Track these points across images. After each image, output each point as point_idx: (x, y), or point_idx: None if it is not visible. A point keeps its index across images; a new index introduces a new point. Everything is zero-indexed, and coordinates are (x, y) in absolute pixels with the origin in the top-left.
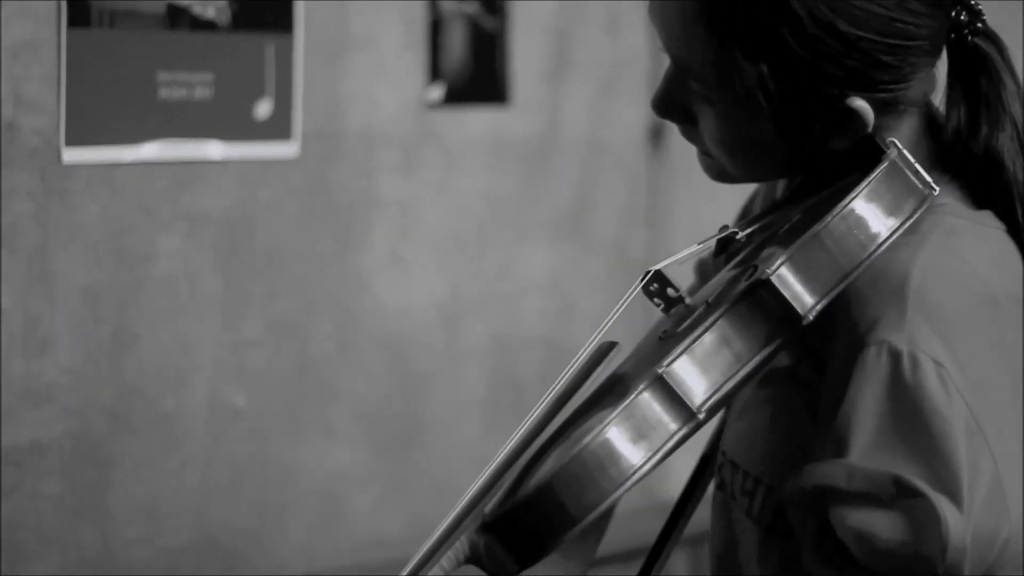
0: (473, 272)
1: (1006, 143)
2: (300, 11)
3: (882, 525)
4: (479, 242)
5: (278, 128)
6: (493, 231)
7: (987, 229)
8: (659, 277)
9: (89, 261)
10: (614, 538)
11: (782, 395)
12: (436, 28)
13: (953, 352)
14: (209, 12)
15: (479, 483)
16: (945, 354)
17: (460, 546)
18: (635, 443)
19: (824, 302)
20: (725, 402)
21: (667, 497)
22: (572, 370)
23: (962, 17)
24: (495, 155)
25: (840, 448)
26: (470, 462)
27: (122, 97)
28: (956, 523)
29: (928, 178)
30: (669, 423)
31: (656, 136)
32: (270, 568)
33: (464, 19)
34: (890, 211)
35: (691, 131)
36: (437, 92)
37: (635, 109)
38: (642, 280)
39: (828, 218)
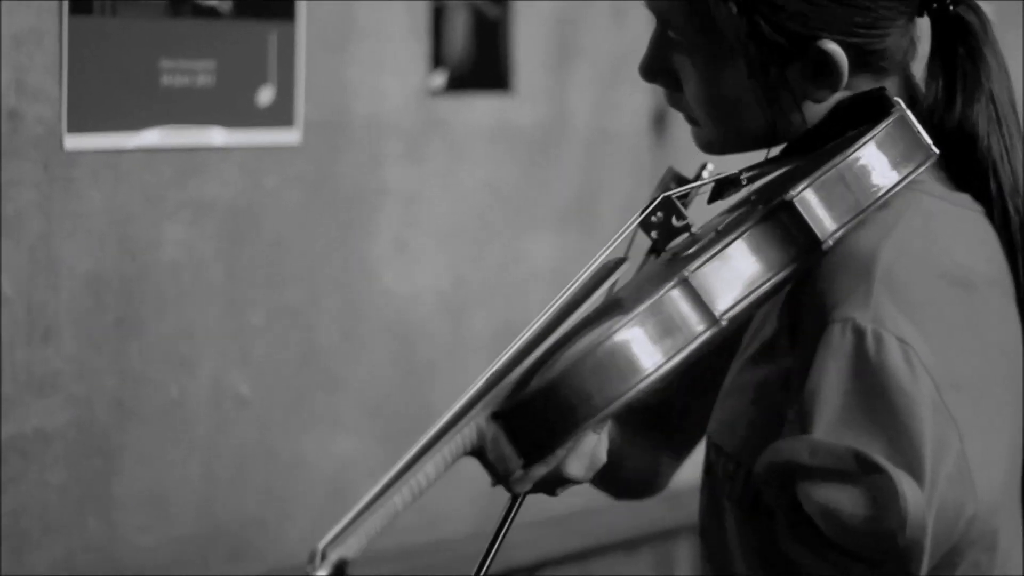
0: (478, 261)
1: (981, 117)
2: None
3: (845, 501)
4: (484, 230)
5: (280, 115)
6: (498, 219)
7: (964, 211)
8: (668, 204)
9: (93, 249)
10: (616, 526)
11: (762, 377)
12: (439, 15)
13: (920, 331)
14: None
15: (484, 379)
16: (911, 332)
17: (465, 435)
18: (658, 341)
19: (841, 232)
20: (743, 317)
21: (671, 487)
22: (578, 282)
23: None
24: (500, 143)
25: (805, 424)
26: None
27: (125, 84)
28: (916, 498)
29: (929, 140)
30: (694, 324)
31: (660, 124)
32: (276, 558)
33: (467, 7)
34: (897, 162)
35: (677, 97)
36: (440, 79)
37: (639, 97)
38: (652, 203)
39: (849, 152)
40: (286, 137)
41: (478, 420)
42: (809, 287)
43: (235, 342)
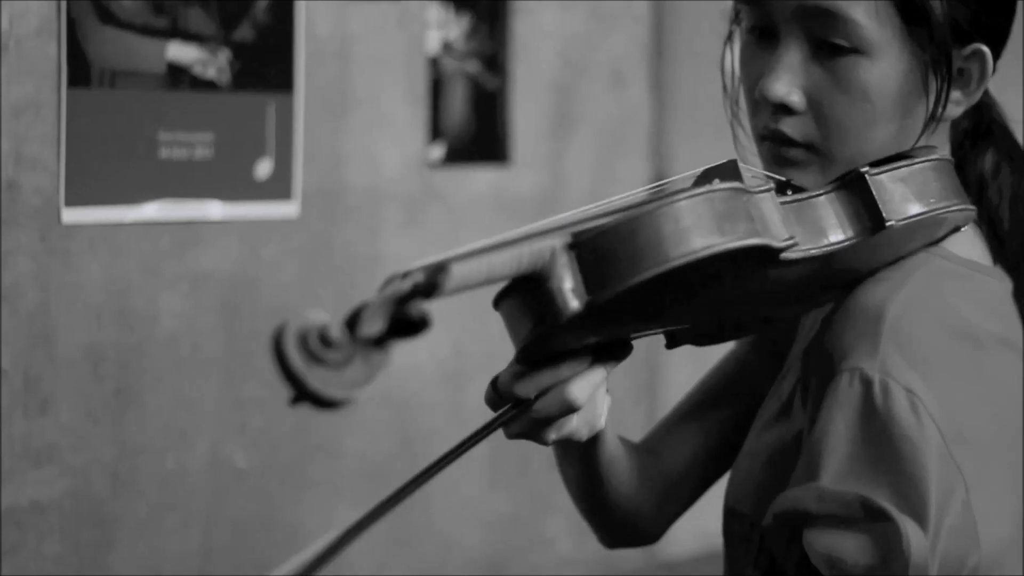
0: (477, 330)
1: (988, 164)
2: (301, 70)
3: (850, 548)
4: (483, 300)
5: (279, 188)
6: (497, 289)
7: (982, 276)
8: (733, 169)
9: (90, 321)
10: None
11: (776, 438)
12: (437, 87)
13: (927, 382)
14: (210, 72)
15: (567, 216)
16: (918, 383)
17: (542, 248)
18: (739, 221)
19: (909, 221)
20: (806, 271)
21: (669, 556)
22: (684, 178)
23: None
24: (498, 212)
25: (812, 473)
26: (474, 520)
27: (123, 157)
28: (920, 545)
29: (967, 201)
30: (772, 225)
31: None
32: None
33: (465, 78)
34: (948, 195)
35: (797, 120)
36: (438, 151)
37: (638, 165)
38: (720, 163)
39: (925, 159)
40: (284, 210)
41: (553, 241)
42: (819, 344)
43: (233, 413)
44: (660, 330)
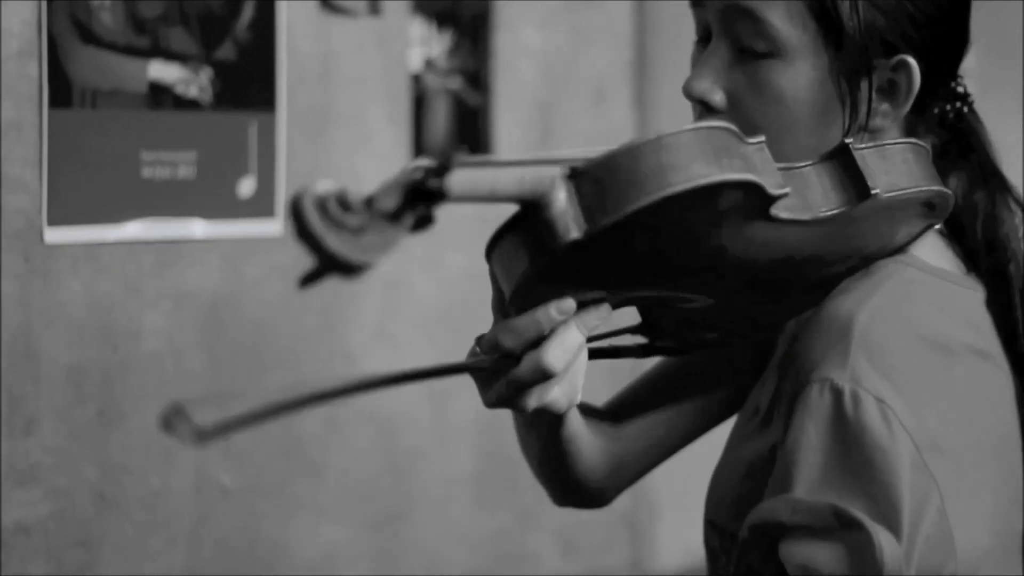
0: (461, 347)
1: (962, 180)
2: (283, 88)
3: (825, 558)
4: (467, 316)
5: (262, 206)
6: (481, 306)
7: (952, 286)
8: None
9: (73, 340)
10: None
11: (752, 452)
12: (420, 104)
13: (898, 390)
14: (192, 91)
15: (569, 153)
16: (889, 392)
17: (543, 176)
18: (735, 159)
19: (892, 194)
20: (789, 228)
21: (655, 570)
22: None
23: None
24: (481, 230)
25: (785, 484)
26: (460, 538)
27: (105, 176)
28: (894, 552)
29: (946, 190)
30: (766, 172)
31: None
32: None
33: (448, 95)
34: (928, 178)
35: (720, 119)
36: None
37: None
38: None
39: (905, 141)
40: (267, 228)
41: (554, 172)
42: (792, 356)
43: None
44: (649, 294)
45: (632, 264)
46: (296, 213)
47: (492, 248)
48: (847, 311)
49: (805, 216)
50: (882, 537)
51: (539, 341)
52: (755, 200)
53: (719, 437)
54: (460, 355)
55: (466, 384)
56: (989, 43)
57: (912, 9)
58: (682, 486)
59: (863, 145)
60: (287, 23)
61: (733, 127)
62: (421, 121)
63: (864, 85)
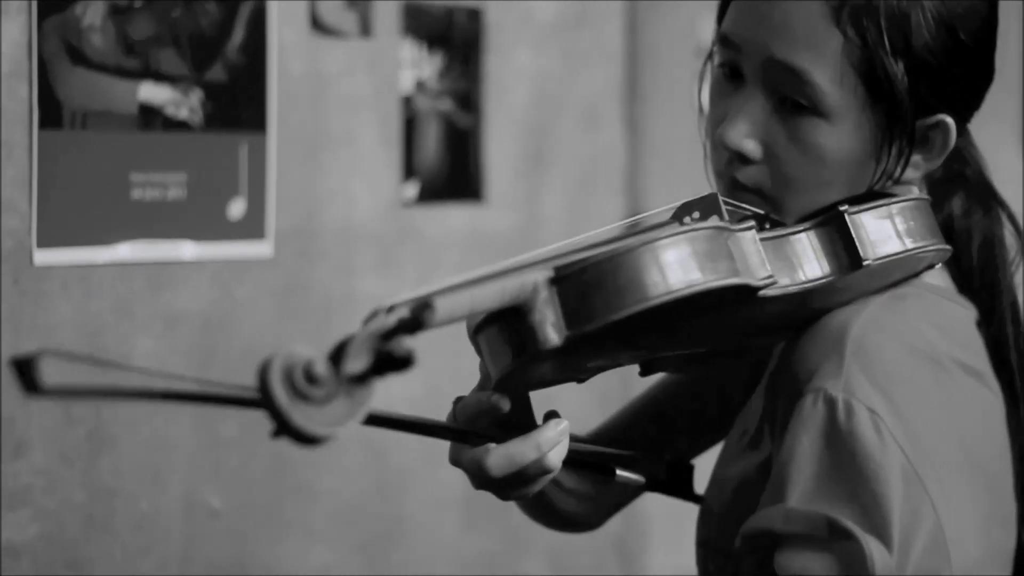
0: (451, 370)
1: (956, 205)
2: (274, 110)
3: (817, 568)
4: (457, 339)
5: (252, 228)
6: (467, 339)
7: (943, 301)
8: (713, 203)
9: (63, 363)
10: None
11: (744, 469)
12: (411, 126)
13: (891, 402)
14: (182, 112)
15: (548, 250)
16: (881, 403)
17: (525, 282)
18: (719, 261)
19: (885, 261)
20: (781, 306)
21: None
22: (663, 211)
23: None
24: (472, 251)
25: (779, 493)
26: (450, 560)
27: (95, 198)
28: (884, 562)
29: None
30: (752, 264)
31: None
32: None
33: (439, 117)
34: (925, 234)
35: (752, 169)
36: (412, 190)
37: (612, 204)
38: (700, 197)
39: (904, 199)
40: (258, 250)
41: (536, 275)
42: (785, 369)
43: (207, 454)
44: (635, 360)
45: (617, 347)
46: (261, 385)
47: (477, 331)
48: (841, 322)
49: (794, 288)
50: (873, 548)
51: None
52: (741, 292)
53: (708, 462)
54: (449, 378)
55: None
56: None
57: (955, 71)
58: (673, 509)
59: (859, 208)
60: (278, 44)
61: (721, 223)
62: (412, 143)
63: (900, 142)
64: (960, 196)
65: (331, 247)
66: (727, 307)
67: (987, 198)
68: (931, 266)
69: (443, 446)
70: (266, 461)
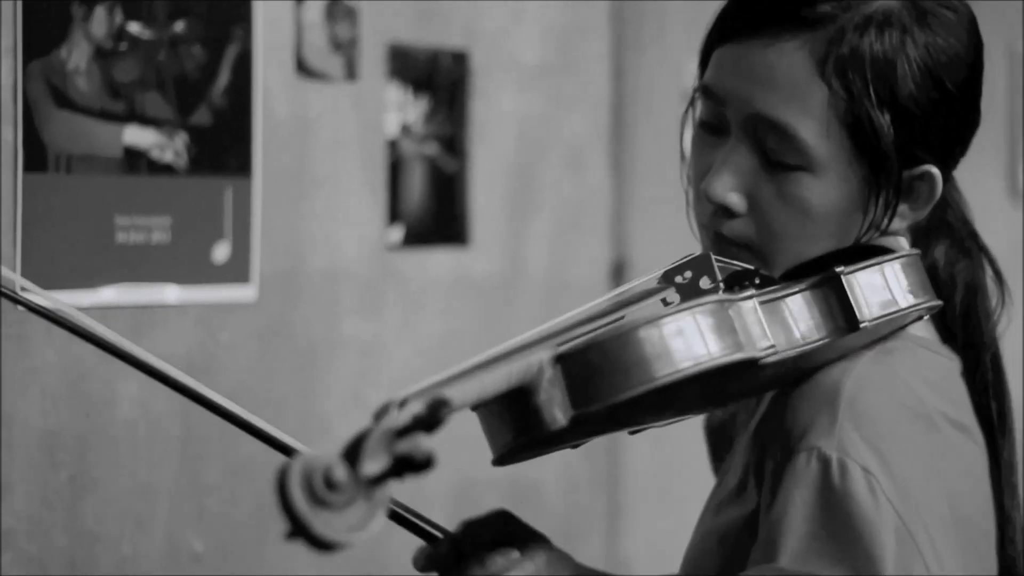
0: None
1: (939, 252)
2: (259, 153)
3: None
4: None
5: (236, 272)
6: None
7: (929, 353)
8: (705, 264)
9: (46, 407)
10: None
11: (729, 520)
12: (396, 169)
13: (884, 461)
14: (167, 156)
15: (548, 327)
16: (875, 462)
17: (515, 369)
18: (724, 336)
19: (879, 321)
20: (776, 367)
21: None
22: (640, 285)
23: None
24: (457, 295)
25: (771, 552)
26: None
27: (79, 241)
28: None
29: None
30: (754, 335)
31: (618, 273)
32: None
33: (424, 160)
34: (915, 290)
35: (737, 222)
36: (397, 234)
37: (597, 246)
38: (691, 256)
39: (897, 256)
40: (242, 293)
41: (540, 355)
42: (775, 423)
43: (190, 499)
44: (627, 429)
45: (618, 421)
46: (280, 491)
47: (476, 407)
48: (833, 380)
49: (790, 352)
50: None
51: None
52: (744, 364)
53: (695, 506)
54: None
55: (441, 451)
56: None
57: (941, 120)
58: (656, 549)
59: (854, 268)
60: (263, 87)
61: (722, 296)
62: (397, 186)
63: (887, 193)
64: (944, 244)
65: (316, 291)
66: (726, 376)
67: (970, 244)
68: (919, 318)
69: (430, 486)
70: (249, 505)
